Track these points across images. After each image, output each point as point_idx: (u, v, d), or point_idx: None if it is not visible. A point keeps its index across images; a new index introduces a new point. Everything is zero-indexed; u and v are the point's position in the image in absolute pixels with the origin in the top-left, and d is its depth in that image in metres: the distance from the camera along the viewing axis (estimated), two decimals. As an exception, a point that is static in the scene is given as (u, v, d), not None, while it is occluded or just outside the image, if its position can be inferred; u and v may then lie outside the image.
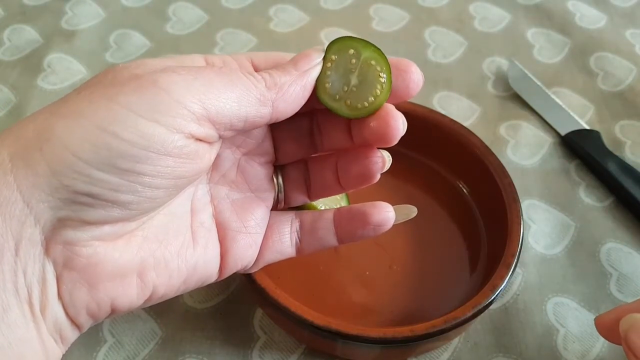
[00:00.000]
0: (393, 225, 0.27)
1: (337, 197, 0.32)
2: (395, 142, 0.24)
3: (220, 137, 0.22)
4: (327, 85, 0.24)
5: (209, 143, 0.22)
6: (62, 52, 0.48)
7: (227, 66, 0.24)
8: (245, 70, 0.24)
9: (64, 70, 0.46)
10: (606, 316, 0.26)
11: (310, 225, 0.27)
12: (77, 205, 0.19)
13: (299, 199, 0.28)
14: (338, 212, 0.27)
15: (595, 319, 0.27)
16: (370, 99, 0.24)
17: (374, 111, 0.24)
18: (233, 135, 0.23)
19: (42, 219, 0.19)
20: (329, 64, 0.24)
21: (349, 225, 0.27)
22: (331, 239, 0.27)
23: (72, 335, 0.22)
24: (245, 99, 0.21)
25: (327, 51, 0.24)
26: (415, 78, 0.24)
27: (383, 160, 0.26)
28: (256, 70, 0.25)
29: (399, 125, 0.24)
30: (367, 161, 0.26)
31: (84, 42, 0.49)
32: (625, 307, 0.26)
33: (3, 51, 0.48)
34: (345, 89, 0.24)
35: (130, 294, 0.22)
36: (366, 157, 0.26)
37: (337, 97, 0.24)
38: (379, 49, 0.24)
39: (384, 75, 0.24)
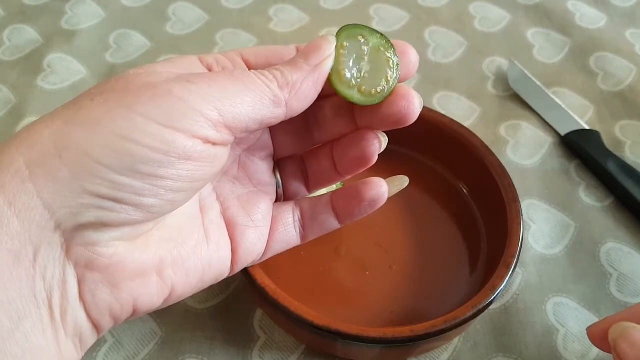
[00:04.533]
0: (389, 198, 0.27)
1: (333, 186, 0.32)
2: (413, 121, 0.24)
3: (235, 139, 0.22)
4: (342, 72, 0.24)
5: (225, 146, 0.22)
6: (62, 52, 0.48)
7: (226, 66, 0.24)
8: (241, 67, 0.24)
9: (64, 70, 0.46)
10: (598, 326, 0.27)
11: (310, 211, 0.28)
12: (100, 210, 0.19)
13: (299, 192, 0.29)
14: (334, 194, 0.28)
15: (587, 329, 0.27)
16: (383, 84, 0.24)
17: (386, 97, 0.24)
18: (247, 136, 0.23)
19: (64, 224, 0.19)
20: (342, 51, 0.24)
21: (345, 205, 0.27)
22: (332, 222, 0.28)
23: (91, 338, 0.22)
24: (260, 102, 0.22)
25: (337, 39, 0.24)
26: (413, 59, 0.24)
27: (380, 141, 0.26)
28: (248, 65, 0.25)
29: (417, 103, 0.24)
30: (364, 144, 0.26)
31: (84, 42, 0.49)
32: (615, 316, 0.26)
33: (3, 51, 0.48)
34: (358, 76, 0.24)
35: (151, 293, 0.22)
36: (363, 139, 0.26)
37: (352, 84, 0.24)
38: (384, 35, 0.24)
39: (394, 61, 0.24)
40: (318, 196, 0.28)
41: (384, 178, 0.28)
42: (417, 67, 0.25)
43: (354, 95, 0.24)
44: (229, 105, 0.21)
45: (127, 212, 0.20)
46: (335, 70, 0.23)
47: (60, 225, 0.19)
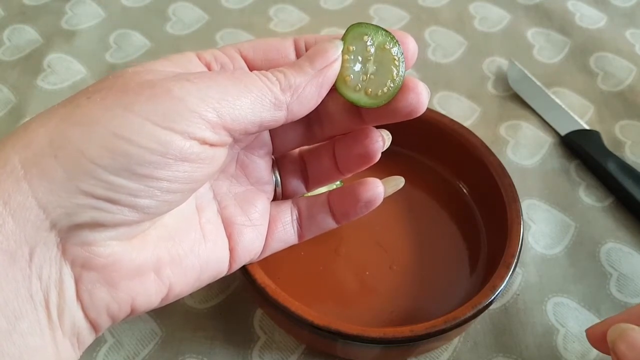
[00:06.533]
0: (385, 198, 0.27)
1: (333, 185, 0.33)
2: (422, 112, 0.24)
3: (234, 140, 0.22)
4: (347, 78, 0.23)
5: (223, 147, 0.22)
6: (62, 52, 0.48)
7: (224, 63, 0.24)
8: (240, 65, 0.24)
9: (64, 70, 0.46)
10: (597, 327, 0.27)
11: (307, 211, 0.28)
12: (95, 211, 0.19)
13: (298, 190, 0.29)
14: (331, 194, 0.28)
15: (586, 331, 0.27)
16: (389, 84, 0.23)
17: (393, 96, 0.24)
18: (246, 137, 0.23)
19: (59, 223, 0.19)
20: (346, 56, 0.23)
21: (342, 205, 0.27)
22: (329, 222, 0.28)
23: (89, 338, 0.21)
24: (260, 104, 0.21)
25: (344, 41, 0.23)
26: (412, 49, 0.24)
27: (383, 139, 0.26)
28: (246, 61, 0.24)
29: (425, 95, 0.24)
30: (367, 141, 0.26)
31: (84, 42, 0.49)
32: (614, 318, 0.26)
33: (3, 51, 0.48)
34: (364, 78, 0.23)
35: (149, 292, 0.22)
36: (366, 137, 0.26)
37: (357, 87, 0.23)
38: (389, 31, 0.24)
39: (399, 58, 0.23)
40: (315, 195, 0.28)
41: (383, 178, 0.28)
42: (415, 56, 0.24)
43: (361, 99, 0.24)
44: (228, 107, 0.20)
45: (122, 213, 0.20)
46: (340, 75, 0.23)
47: (55, 225, 0.19)
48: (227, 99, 0.20)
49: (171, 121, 0.19)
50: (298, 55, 0.25)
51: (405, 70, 0.24)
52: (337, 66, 0.23)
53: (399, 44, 0.24)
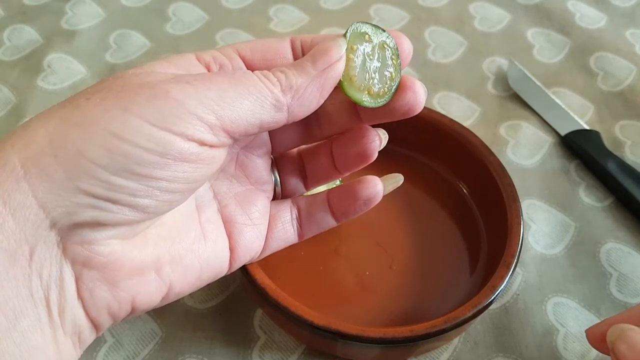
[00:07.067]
0: (385, 198, 0.27)
1: (332, 184, 0.33)
2: (419, 111, 0.24)
3: (234, 141, 0.22)
4: (354, 77, 0.23)
5: (223, 147, 0.22)
6: (62, 52, 0.48)
7: (224, 63, 0.24)
8: (238, 65, 0.24)
9: (64, 70, 0.46)
10: (597, 328, 0.27)
11: (306, 210, 0.28)
12: (95, 210, 0.19)
13: (297, 189, 0.29)
14: (330, 192, 0.28)
15: (586, 331, 0.27)
16: (389, 83, 0.23)
17: (393, 96, 0.24)
18: (246, 138, 0.23)
19: (59, 222, 0.19)
20: (351, 55, 0.23)
21: (341, 204, 0.27)
22: (329, 220, 0.28)
23: (90, 337, 0.22)
24: (260, 106, 0.21)
25: (346, 40, 0.23)
26: (407, 48, 0.24)
27: (380, 138, 0.26)
28: (244, 60, 0.24)
29: (422, 94, 0.24)
30: (364, 140, 0.26)
31: (84, 42, 0.49)
32: (614, 318, 0.26)
33: (3, 51, 0.48)
34: (368, 78, 0.23)
35: (149, 291, 0.22)
36: (363, 136, 0.26)
37: (362, 87, 0.23)
38: (385, 30, 0.24)
39: (397, 57, 0.24)
40: (314, 194, 0.28)
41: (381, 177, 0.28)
42: (410, 56, 0.24)
43: (364, 99, 0.23)
44: (228, 109, 0.20)
45: (122, 213, 0.20)
46: (345, 74, 0.23)
47: (55, 224, 0.19)
48: (226, 100, 0.20)
49: (170, 123, 0.19)
50: (294, 55, 0.25)
51: (401, 70, 0.24)
52: (340, 66, 0.22)
53: (394, 43, 0.24)
